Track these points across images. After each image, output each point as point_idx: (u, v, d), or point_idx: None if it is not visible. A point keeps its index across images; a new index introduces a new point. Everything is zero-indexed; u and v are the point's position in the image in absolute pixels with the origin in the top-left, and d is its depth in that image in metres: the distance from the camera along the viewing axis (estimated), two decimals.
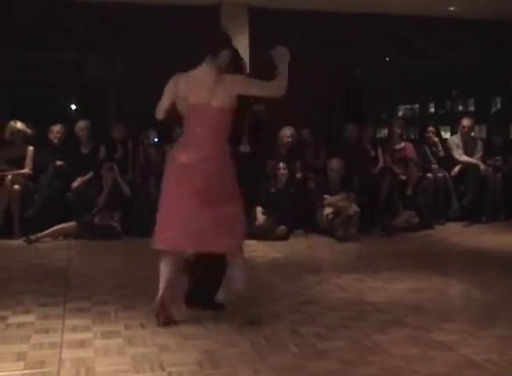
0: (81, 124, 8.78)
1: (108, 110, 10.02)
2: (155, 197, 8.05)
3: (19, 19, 9.12)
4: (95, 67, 9.76)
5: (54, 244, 7.61)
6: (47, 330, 4.06)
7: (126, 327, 4.13)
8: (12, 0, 9.16)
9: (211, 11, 9.48)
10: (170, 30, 9.42)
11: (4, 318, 4.35)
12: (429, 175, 9.21)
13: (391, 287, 5.33)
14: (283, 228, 7.96)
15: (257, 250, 7.17)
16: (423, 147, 9.69)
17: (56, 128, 8.84)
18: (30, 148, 8.49)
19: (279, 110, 8.95)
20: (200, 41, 4.54)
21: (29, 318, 4.35)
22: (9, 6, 9.03)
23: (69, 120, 9.53)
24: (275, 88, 4.32)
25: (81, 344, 3.81)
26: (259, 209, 8.13)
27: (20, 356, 3.58)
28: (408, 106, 21.70)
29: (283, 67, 4.29)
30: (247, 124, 8.72)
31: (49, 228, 7.82)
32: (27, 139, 8.55)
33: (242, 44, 9.48)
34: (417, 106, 22.15)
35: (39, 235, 7.69)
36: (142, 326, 4.17)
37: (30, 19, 9.19)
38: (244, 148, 8.70)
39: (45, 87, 10.04)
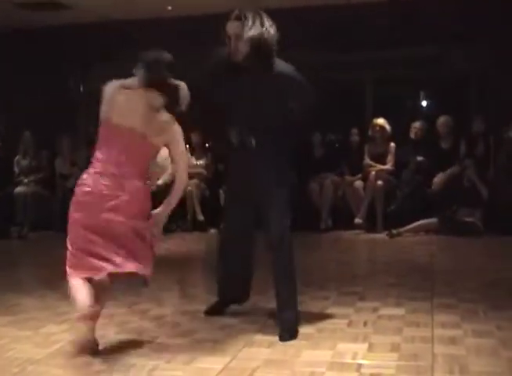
0: (442, 120, 8.75)
1: (469, 103, 9.81)
2: None
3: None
4: (457, 60, 9.60)
5: (416, 239, 7.74)
6: (417, 324, 4.11)
7: (498, 328, 3.98)
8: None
9: None
10: None
11: (375, 309, 4.51)
12: None
13: None
14: None
15: None
16: None
17: (416, 125, 8.96)
18: (392, 144, 8.72)
19: None
20: None
21: (399, 311, 4.45)
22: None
23: (429, 115, 9.55)
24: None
25: (452, 341, 3.77)
26: None
27: (394, 347, 3.66)
28: None
29: None
30: None
31: (411, 223, 7.96)
32: (388, 136, 8.80)
33: None
34: None
35: (401, 229, 7.87)
36: None
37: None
38: None
39: (407, 83, 10.23)
